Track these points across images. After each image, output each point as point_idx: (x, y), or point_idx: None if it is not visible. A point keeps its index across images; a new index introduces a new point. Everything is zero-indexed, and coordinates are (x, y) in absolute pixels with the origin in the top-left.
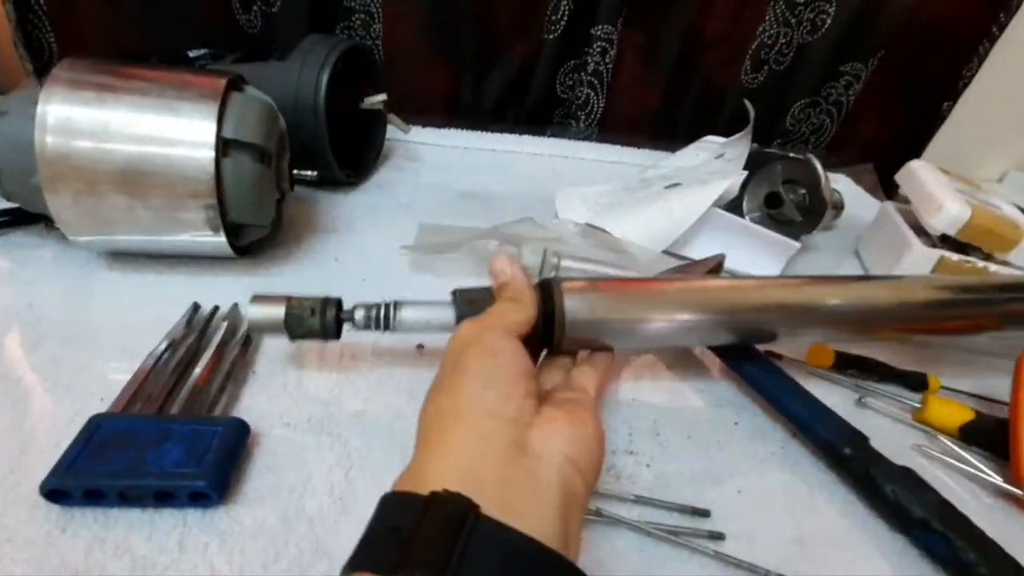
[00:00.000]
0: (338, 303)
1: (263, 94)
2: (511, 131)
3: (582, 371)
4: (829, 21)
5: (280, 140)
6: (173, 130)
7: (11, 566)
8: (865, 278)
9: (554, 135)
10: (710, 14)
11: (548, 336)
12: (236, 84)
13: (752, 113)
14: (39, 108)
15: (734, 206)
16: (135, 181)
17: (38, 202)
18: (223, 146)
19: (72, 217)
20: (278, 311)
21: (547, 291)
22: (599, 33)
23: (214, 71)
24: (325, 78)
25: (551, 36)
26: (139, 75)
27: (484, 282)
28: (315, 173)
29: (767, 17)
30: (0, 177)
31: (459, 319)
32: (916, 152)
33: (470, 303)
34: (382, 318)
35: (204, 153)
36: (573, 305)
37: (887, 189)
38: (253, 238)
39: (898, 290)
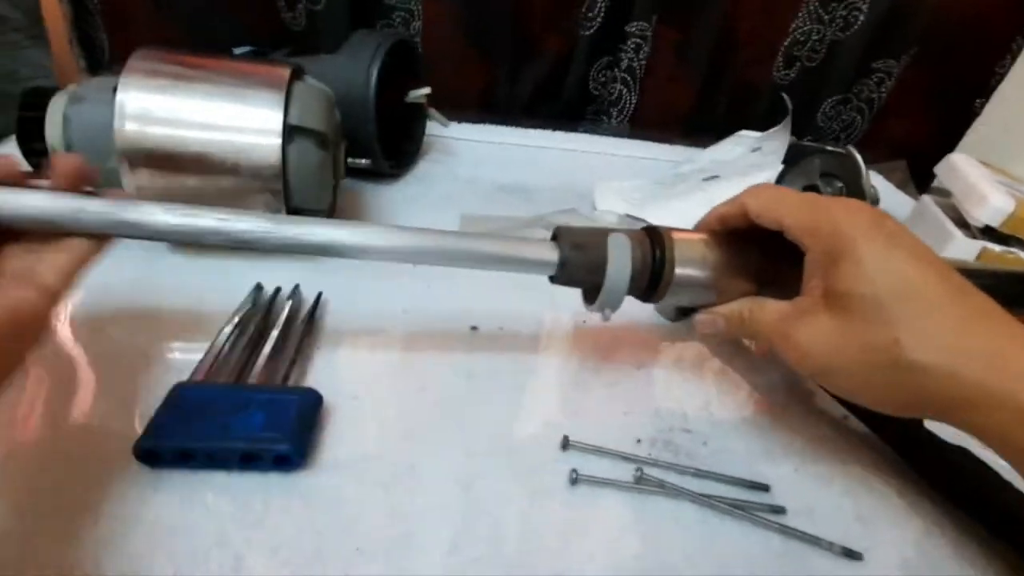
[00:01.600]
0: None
1: (322, 84)
2: (544, 127)
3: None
4: (862, 18)
5: (337, 128)
6: (242, 117)
7: (109, 522)
8: None
9: (586, 131)
10: (744, 11)
11: (653, 284)
12: (298, 74)
13: (790, 106)
14: (118, 96)
15: None
16: (205, 166)
17: (113, 184)
18: (288, 132)
19: (144, 199)
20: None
21: (655, 237)
22: (634, 30)
23: (276, 61)
24: (375, 71)
25: (586, 33)
26: (208, 65)
27: None
28: (368, 161)
29: (800, 14)
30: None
31: (563, 263)
32: (948, 149)
33: (577, 248)
34: None
35: (271, 140)
36: (685, 254)
37: (919, 186)
38: None
39: None
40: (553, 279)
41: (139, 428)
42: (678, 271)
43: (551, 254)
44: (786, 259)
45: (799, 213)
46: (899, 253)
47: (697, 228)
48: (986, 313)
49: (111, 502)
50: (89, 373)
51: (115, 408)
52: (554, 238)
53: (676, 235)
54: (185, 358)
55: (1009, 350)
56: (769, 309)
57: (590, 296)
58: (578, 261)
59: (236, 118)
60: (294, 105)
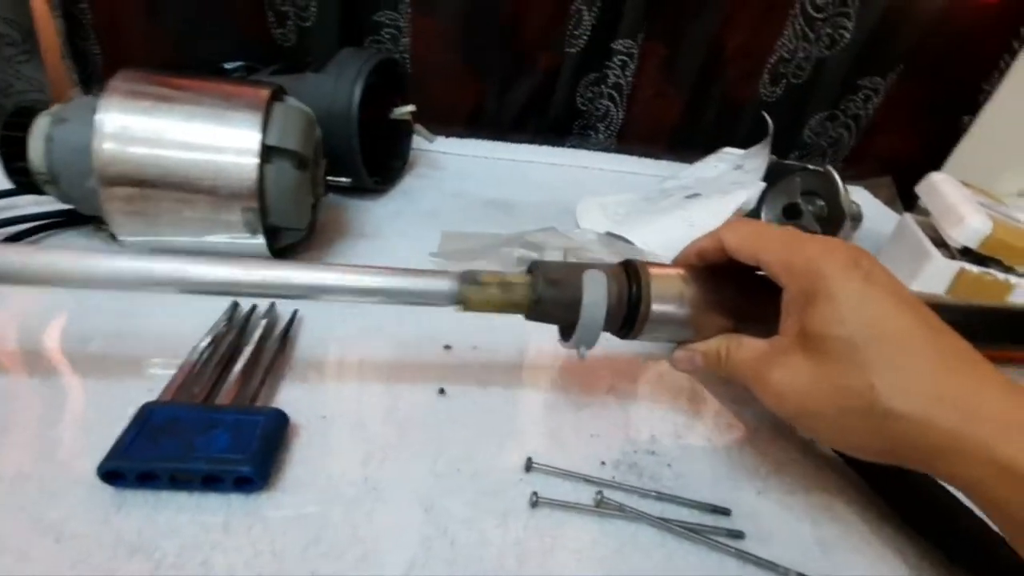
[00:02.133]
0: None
1: (302, 104)
2: (532, 142)
3: None
4: (848, 36)
5: (317, 148)
6: (221, 138)
7: (71, 541)
8: None
9: (574, 146)
10: (730, 28)
11: (628, 322)
12: (278, 95)
13: (771, 125)
14: (97, 116)
15: (752, 217)
16: (184, 185)
17: (92, 204)
18: (266, 153)
19: (123, 218)
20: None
21: (631, 272)
22: (620, 47)
23: (257, 82)
24: (359, 90)
25: (573, 50)
26: (189, 86)
27: None
28: (349, 179)
29: (786, 31)
30: (58, 180)
31: (537, 300)
32: (935, 166)
33: (552, 283)
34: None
35: (248, 159)
36: (661, 290)
37: (906, 202)
38: (289, 241)
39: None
40: (527, 316)
41: (106, 447)
42: (655, 307)
43: (449, 285)
44: (764, 295)
45: (777, 249)
46: (875, 293)
47: (675, 263)
48: (960, 355)
49: (73, 521)
50: (62, 389)
51: (84, 426)
52: (529, 271)
53: (653, 270)
54: (160, 373)
55: (984, 395)
56: (746, 347)
57: (566, 333)
58: (553, 298)
59: (215, 138)
60: (272, 126)
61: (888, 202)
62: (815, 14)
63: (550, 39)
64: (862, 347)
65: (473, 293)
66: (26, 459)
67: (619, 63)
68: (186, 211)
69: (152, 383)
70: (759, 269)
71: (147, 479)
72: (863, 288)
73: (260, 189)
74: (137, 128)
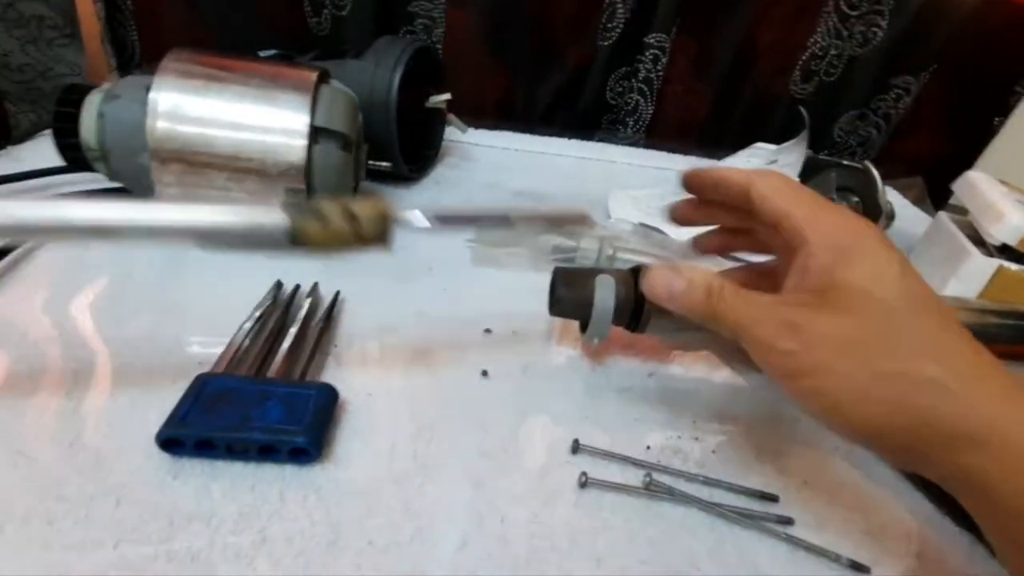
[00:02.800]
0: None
1: (347, 88)
2: (561, 135)
3: None
4: (881, 35)
5: (360, 131)
6: (270, 118)
7: (128, 507)
8: None
9: (602, 140)
10: (763, 24)
11: (635, 317)
12: (324, 77)
13: (807, 119)
14: (151, 94)
15: None
16: (233, 165)
17: (143, 181)
18: (313, 134)
19: (173, 195)
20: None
21: (639, 277)
22: (652, 41)
23: (304, 65)
24: (398, 77)
25: (605, 43)
26: (239, 67)
27: (545, 275)
28: (388, 164)
29: (819, 29)
30: (109, 157)
31: (558, 300)
32: (964, 167)
33: (568, 286)
34: None
35: (297, 140)
36: None
37: (936, 203)
38: None
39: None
40: (551, 311)
41: (161, 417)
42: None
43: (276, 220)
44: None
45: (809, 203)
46: (913, 272)
47: (687, 178)
48: (985, 352)
49: (132, 487)
50: (113, 362)
51: (138, 397)
52: (554, 276)
53: None
54: (205, 352)
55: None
56: (744, 294)
57: (584, 327)
58: (569, 297)
59: (264, 119)
60: (320, 108)
61: (917, 202)
62: (849, 11)
63: (582, 33)
64: (901, 313)
65: (312, 227)
66: (86, 426)
67: (651, 57)
68: (235, 190)
69: (200, 358)
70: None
71: (204, 447)
72: (903, 261)
73: (307, 169)
74: (189, 107)
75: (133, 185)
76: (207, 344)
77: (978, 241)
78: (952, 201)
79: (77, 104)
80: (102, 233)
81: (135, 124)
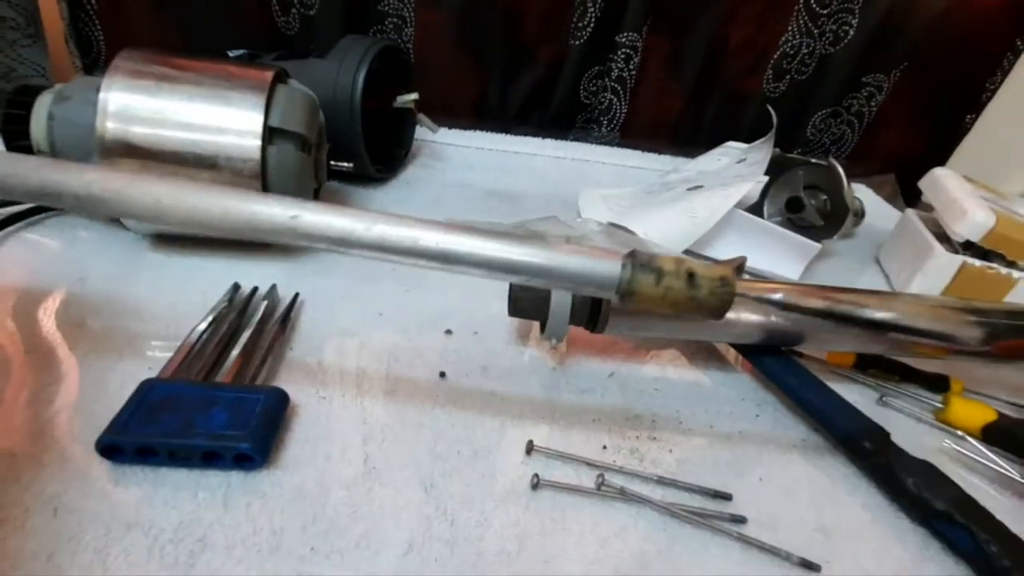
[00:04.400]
0: None
1: (305, 87)
2: (534, 134)
3: None
4: (852, 33)
5: (320, 132)
6: (223, 118)
7: (66, 516)
8: (914, 296)
9: (576, 139)
10: (735, 23)
11: (593, 317)
12: (281, 77)
13: (775, 118)
14: (101, 95)
15: (754, 210)
16: (186, 165)
17: None
18: (269, 134)
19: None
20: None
21: None
22: (624, 40)
23: (260, 64)
24: (362, 76)
25: (577, 43)
26: (192, 67)
27: None
28: (351, 165)
29: (790, 27)
30: (60, 158)
31: (514, 300)
32: (937, 164)
33: (525, 286)
34: None
35: (251, 141)
36: None
37: (908, 200)
38: None
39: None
40: (510, 312)
41: (104, 422)
42: (615, 303)
43: (613, 268)
44: None
45: None
46: None
47: None
48: None
49: (70, 495)
50: (62, 365)
51: (84, 402)
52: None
53: None
54: (159, 355)
55: None
56: None
57: (543, 327)
58: (526, 298)
59: (217, 119)
60: (275, 107)
61: (890, 199)
62: (819, 10)
63: (553, 32)
64: None
65: (645, 281)
66: (24, 432)
67: (623, 56)
68: None
69: (151, 362)
70: None
71: (146, 454)
72: None
73: (263, 171)
74: (140, 107)
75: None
76: (159, 348)
77: (943, 238)
78: (922, 199)
79: (28, 105)
80: (443, 259)
81: (85, 125)
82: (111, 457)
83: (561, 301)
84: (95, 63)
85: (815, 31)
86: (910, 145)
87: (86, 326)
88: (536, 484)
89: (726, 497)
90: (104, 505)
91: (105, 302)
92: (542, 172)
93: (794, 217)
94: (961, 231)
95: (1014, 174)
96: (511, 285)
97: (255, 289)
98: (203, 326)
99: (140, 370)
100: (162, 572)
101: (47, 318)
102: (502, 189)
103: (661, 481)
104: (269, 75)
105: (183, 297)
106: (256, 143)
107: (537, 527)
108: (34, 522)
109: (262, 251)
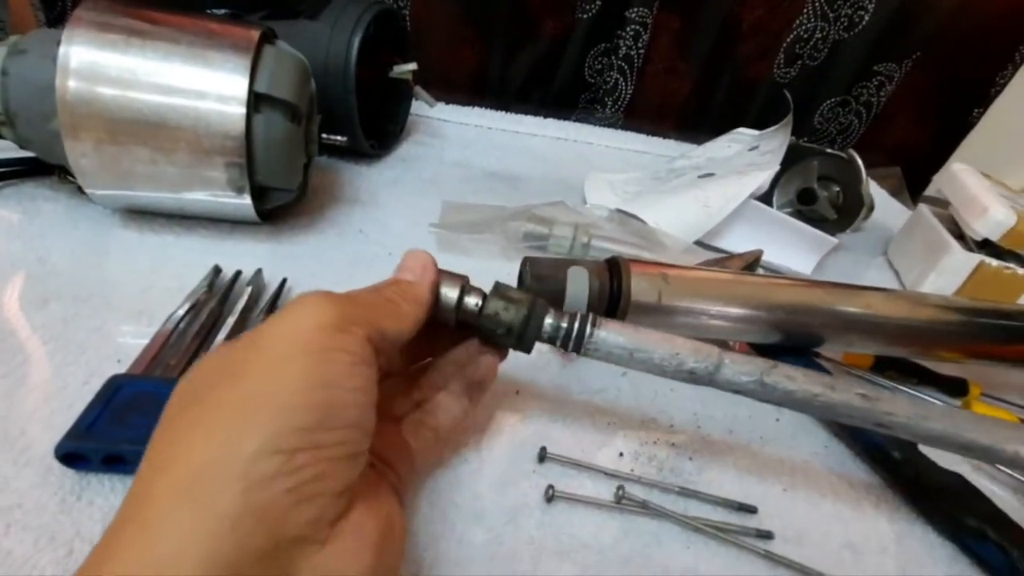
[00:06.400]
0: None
1: (295, 51)
2: (536, 113)
3: (452, 393)
4: (867, 18)
5: (311, 101)
6: (203, 81)
7: (21, 534)
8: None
9: (579, 120)
10: (748, 3)
11: (610, 314)
12: (268, 37)
13: (791, 104)
14: (61, 49)
15: (763, 200)
16: (160, 133)
17: (55, 150)
18: (254, 101)
19: (91, 167)
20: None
21: (615, 269)
22: (634, 16)
23: (246, 22)
24: (357, 41)
25: (585, 15)
26: (168, 21)
27: (515, 262)
28: (345, 138)
29: (805, 10)
30: (15, 121)
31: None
32: (942, 158)
33: (539, 279)
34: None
35: (234, 108)
36: (640, 287)
37: (912, 194)
38: (278, 202)
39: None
40: None
41: (67, 425)
42: (635, 302)
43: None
44: None
45: None
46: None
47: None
48: None
49: (26, 510)
50: (17, 357)
51: (41, 400)
52: (522, 267)
53: (635, 268)
54: (130, 343)
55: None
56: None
57: None
58: (539, 291)
59: (195, 82)
60: (262, 71)
61: (894, 193)
62: None
63: (561, 3)
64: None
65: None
66: None
67: (631, 33)
68: (163, 164)
69: (121, 353)
70: None
71: (114, 463)
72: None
73: (247, 142)
74: (107, 65)
75: (45, 154)
76: (129, 336)
77: (958, 235)
78: (928, 192)
79: None
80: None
81: (44, 84)
82: (74, 465)
83: (577, 296)
84: (60, 19)
85: (830, 15)
86: (916, 138)
87: (47, 311)
88: (551, 497)
89: (751, 510)
90: (66, 520)
91: (69, 284)
92: (542, 153)
93: (805, 209)
94: (980, 229)
95: (1020, 169)
96: (522, 277)
97: (238, 273)
98: (180, 313)
99: (108, 364)
100: None
101: (2, 302)
102: (502, 170)
103: (683, 492)
104: (255, 35)
105: (157, 280)
106: (240, 111)
107: (553, 545)
108: None
109: (243, 232)
